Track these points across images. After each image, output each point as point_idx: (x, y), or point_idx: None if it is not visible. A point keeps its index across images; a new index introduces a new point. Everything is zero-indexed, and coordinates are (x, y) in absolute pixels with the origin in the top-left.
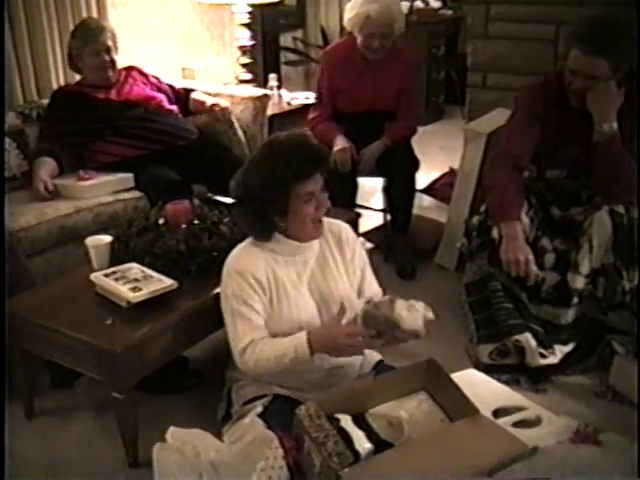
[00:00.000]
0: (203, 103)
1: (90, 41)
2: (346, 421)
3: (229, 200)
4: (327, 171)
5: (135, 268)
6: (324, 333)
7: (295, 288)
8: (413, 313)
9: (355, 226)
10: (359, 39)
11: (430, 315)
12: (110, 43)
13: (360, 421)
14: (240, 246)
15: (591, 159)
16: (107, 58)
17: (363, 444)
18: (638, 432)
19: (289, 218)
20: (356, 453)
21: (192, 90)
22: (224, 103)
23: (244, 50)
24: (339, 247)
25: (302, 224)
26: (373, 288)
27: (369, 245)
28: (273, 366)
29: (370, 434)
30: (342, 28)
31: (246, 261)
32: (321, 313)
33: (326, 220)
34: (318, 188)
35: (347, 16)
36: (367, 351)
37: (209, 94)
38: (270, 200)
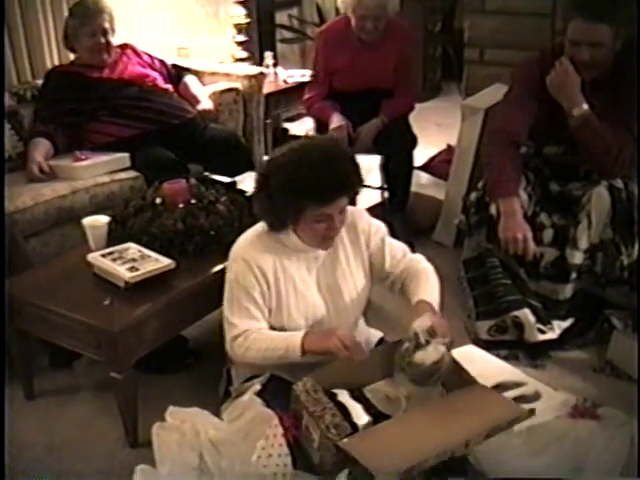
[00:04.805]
0: (194, 97)
1: (87, 21)
2: (343, 395)
3: (225, 179)
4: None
5: (132, 248)
6: (319, 335)
7: (304, 282)
8: (433, 354)
9: (352, 204)
10: (352, 20)
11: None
12: (107, 25)
13: (358, 395)
14: (251, 231)
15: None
16: (103, 40)
17: (361, 416)
18: (638, 419)
19: (299, 226)
20: (354, 425)
21: (186, 69)
22: (208, 105)
23: (239, 28)
24: (353, 235)
25: (309, 238)
26: (399, 254)
27: None
28: (261, 358)
29: (368, 407)
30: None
31: (254, 250)
32: (328, 307)
33: None
34: (337, 210)
35: None
36: (370, 330)
37: (204, 73)
38: (284, 204)
